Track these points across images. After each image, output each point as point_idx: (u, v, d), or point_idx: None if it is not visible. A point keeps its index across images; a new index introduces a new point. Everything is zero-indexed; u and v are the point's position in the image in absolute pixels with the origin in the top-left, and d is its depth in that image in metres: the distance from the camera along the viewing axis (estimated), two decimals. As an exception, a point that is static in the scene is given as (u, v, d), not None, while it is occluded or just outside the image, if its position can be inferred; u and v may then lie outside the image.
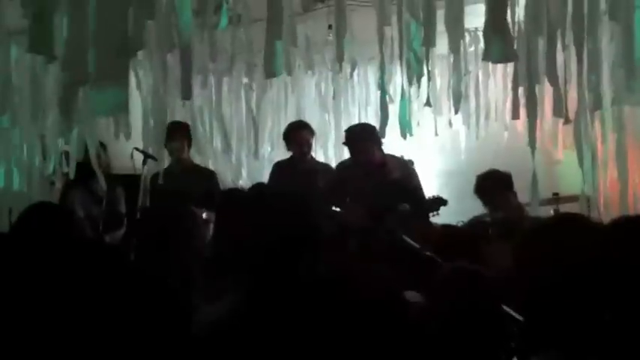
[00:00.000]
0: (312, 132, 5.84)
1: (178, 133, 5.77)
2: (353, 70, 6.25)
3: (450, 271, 2.39)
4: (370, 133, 4.87)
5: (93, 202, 5.79)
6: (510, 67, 5.03)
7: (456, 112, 5.17)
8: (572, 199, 5.24)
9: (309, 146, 5.76)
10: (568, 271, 1.79)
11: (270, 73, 3.57)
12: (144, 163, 5.71)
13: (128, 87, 2.74)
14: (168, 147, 5.69)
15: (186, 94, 3.43)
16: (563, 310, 1.77)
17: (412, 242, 3.27)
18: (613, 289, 1.75)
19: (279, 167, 6.06)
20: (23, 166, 6.03)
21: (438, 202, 4.85)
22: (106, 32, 2.66)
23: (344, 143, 5.20)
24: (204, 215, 4.84)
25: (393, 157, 5.23)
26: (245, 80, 6.81)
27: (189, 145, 5.91)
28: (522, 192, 4.75)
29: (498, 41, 3.39)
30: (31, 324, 1.75)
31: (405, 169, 5.14)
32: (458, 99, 4.89)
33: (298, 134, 5.74)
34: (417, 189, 5.08)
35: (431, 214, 4.86)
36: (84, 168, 5.56)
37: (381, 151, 5.06)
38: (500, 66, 6.63)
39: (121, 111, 2.95)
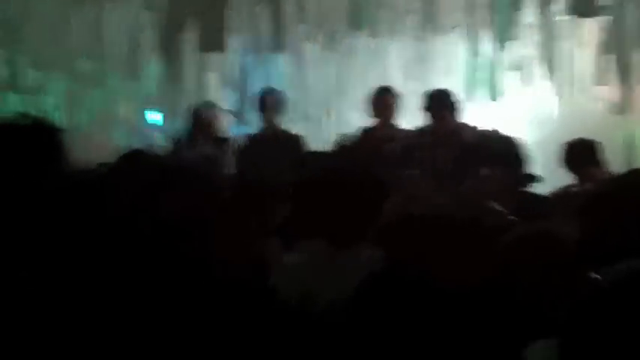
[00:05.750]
0: (394, 96, 5.79)
1: (271, 100, 5.81)
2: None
3: (523, 231, 2.31)
4: (449, 99, 4.79)
5: (205, 162, 5.96)
6: (603, 36, 4.85)
7: (546, 79, 5.04)
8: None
9: (391, 110, 5.72)
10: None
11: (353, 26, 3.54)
12: (231, 124, 5.83)
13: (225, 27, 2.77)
14: (260, 113, 5.71)
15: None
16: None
17: (497, 206, 3.22)
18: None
19: (363, 134, 6.05)
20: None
21: (528, 179, 4.67)
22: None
23: (423, 108, 5.15)
24: None
25: (466, 125, 5.14)
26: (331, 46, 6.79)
27: (282, 112, 5.96)
28: (613, 164, 4.59)
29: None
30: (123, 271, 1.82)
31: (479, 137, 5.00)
32: (548, 66, 4.76)
33: (380, 99, 5.73)
34: (499, 156, 4.93)
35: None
36: (195, 125, 5.69)
37: (455, 118, 5.00)
38: (593, 35, 6.39)
39: (221, 49, 2.99)
